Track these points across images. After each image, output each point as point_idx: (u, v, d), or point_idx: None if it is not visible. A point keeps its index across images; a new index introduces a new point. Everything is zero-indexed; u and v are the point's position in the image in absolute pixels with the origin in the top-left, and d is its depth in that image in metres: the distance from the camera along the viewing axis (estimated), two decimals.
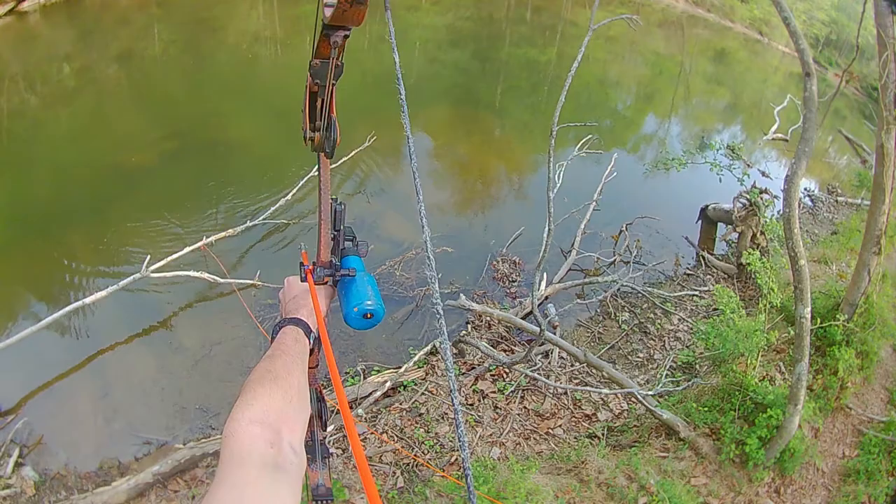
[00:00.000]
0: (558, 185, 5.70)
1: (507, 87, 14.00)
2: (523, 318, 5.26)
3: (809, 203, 10.18)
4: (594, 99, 13.55)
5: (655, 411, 3.83)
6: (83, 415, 5.03)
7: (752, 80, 21.69)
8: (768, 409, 3.79)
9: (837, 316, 4.69)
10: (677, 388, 4.21)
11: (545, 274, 6.16)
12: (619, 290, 6.28)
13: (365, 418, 4.66)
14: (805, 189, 10.49)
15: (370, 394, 4.77)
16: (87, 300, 5.39)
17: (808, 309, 3.64)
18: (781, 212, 3.87)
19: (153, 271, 5.62)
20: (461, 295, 5.37)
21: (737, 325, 4.23)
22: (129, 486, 4.27)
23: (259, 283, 5.99)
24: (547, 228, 3.94)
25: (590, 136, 6.95)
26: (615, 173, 7.95)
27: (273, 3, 19.04)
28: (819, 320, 4.60)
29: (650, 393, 3.85)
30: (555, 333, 5.09)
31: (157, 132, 9.16)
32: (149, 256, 5.60)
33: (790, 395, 3.66)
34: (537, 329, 4.18)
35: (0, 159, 8.69)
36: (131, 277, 5.55)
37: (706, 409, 3.98)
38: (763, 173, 10.50)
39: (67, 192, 7.61)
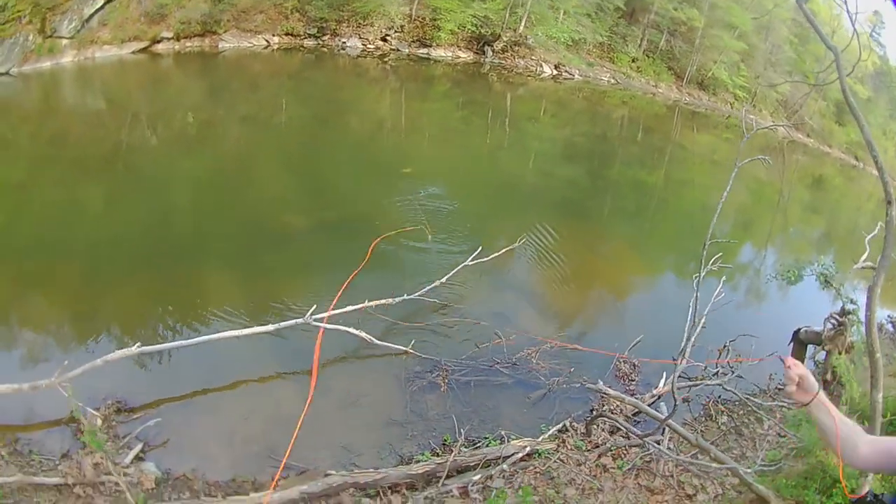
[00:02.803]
0: (696, 292, 5.71)
1: (615, 208, 15.00)
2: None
3: (891, 329, 10.68)
4: (696, 226, 14.04)
5: (753, 484, 5.07)
6: (220, 430, 5.28)
7: (847, 208, 22.16)
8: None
9: None
10: (770, 467, 5.42)
11: (664, 372, 7.37)
12: (720, 395, 7.46)
13: (507, 473, 5.55)
14: (888, 316, 11.13)
15: (512, 454, 5.74)
16: (245, 332, 5.76)
17: (881, 395, 4.41)
18: (864, 316, 4.65)
19: (315, 320, 5.98)
20: (599, 381, 6.77)
21: None
22: (272, 499, 4.33)
23: (412, 351, 6.70)
24: (690, 320, 5.05)
25: (720, 253, 7.51)
26: (723, 294, 8.47)
27: (402, 96, 20.74)
28: (889, 415, 5.53)
29: (750, 470, 5.14)
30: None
31: (305, 200, 10.34)
32: (315, 305, 6.13)
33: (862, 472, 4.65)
34: (660, 416, 5.56)
35: (119, 186, 9.96)
36: (294, 321, 5.89)
37: (792, 485, 5.13)
38: (851, 301, 11.27)
39: (199, 235, 8.68)
